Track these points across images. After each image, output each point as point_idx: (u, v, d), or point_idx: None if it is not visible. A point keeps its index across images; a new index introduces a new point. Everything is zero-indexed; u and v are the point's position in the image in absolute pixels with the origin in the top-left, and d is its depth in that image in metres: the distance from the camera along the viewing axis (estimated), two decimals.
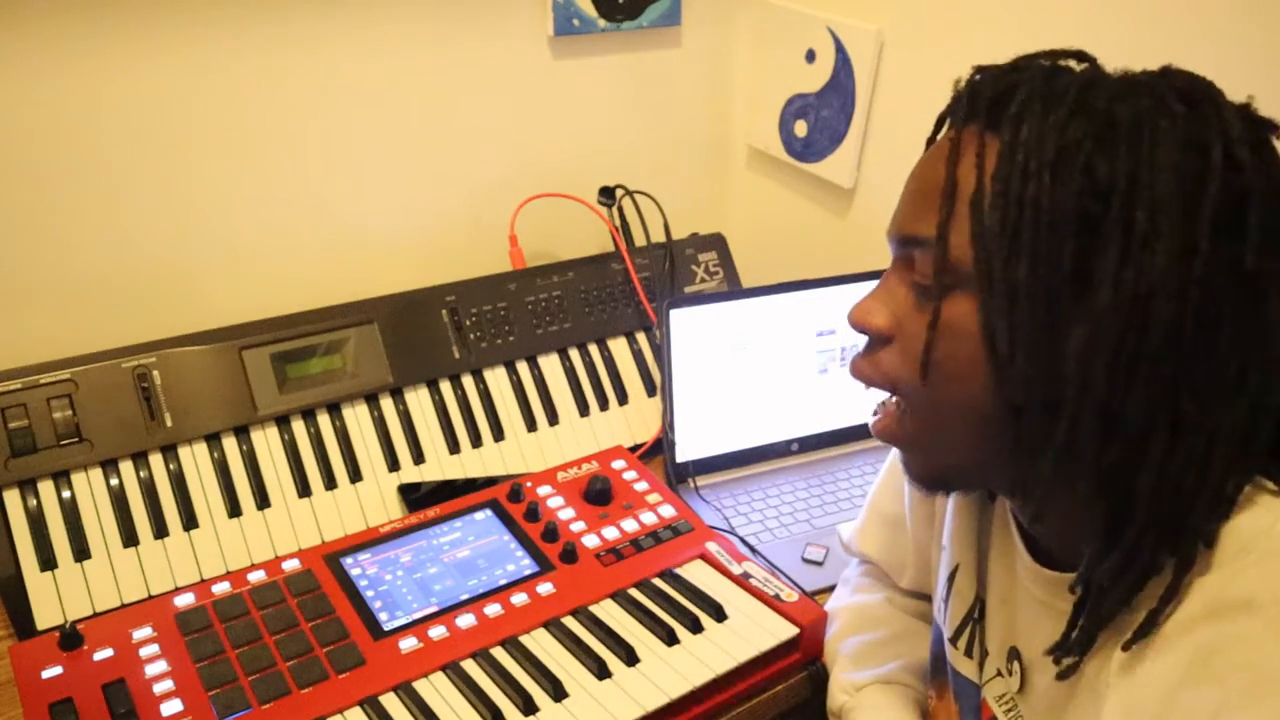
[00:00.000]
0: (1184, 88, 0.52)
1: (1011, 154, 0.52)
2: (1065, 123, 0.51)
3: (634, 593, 0.90)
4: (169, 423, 0.98)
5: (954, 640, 0.75)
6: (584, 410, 1.18)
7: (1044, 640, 0.60)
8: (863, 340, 0.62)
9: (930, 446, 0.61)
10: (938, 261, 0.55)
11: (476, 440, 1.11)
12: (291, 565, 0.90)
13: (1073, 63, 0.56)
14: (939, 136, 0.60)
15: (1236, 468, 0.52)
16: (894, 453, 0.86)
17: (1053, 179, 0.50)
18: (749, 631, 0.85)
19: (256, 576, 0.88)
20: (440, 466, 1.08)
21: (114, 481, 0.95)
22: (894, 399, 0.61)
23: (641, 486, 1.03)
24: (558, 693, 0.78)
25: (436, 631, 0.84)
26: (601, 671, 0.80)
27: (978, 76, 0.57)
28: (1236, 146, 0.49)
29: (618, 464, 1.07)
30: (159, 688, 0.77)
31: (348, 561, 0.91)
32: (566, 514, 0.98)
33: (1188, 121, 0.50)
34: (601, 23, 1.27)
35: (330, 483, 1.03)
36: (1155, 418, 0.51)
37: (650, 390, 1.22)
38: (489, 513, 0.98)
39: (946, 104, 0.58)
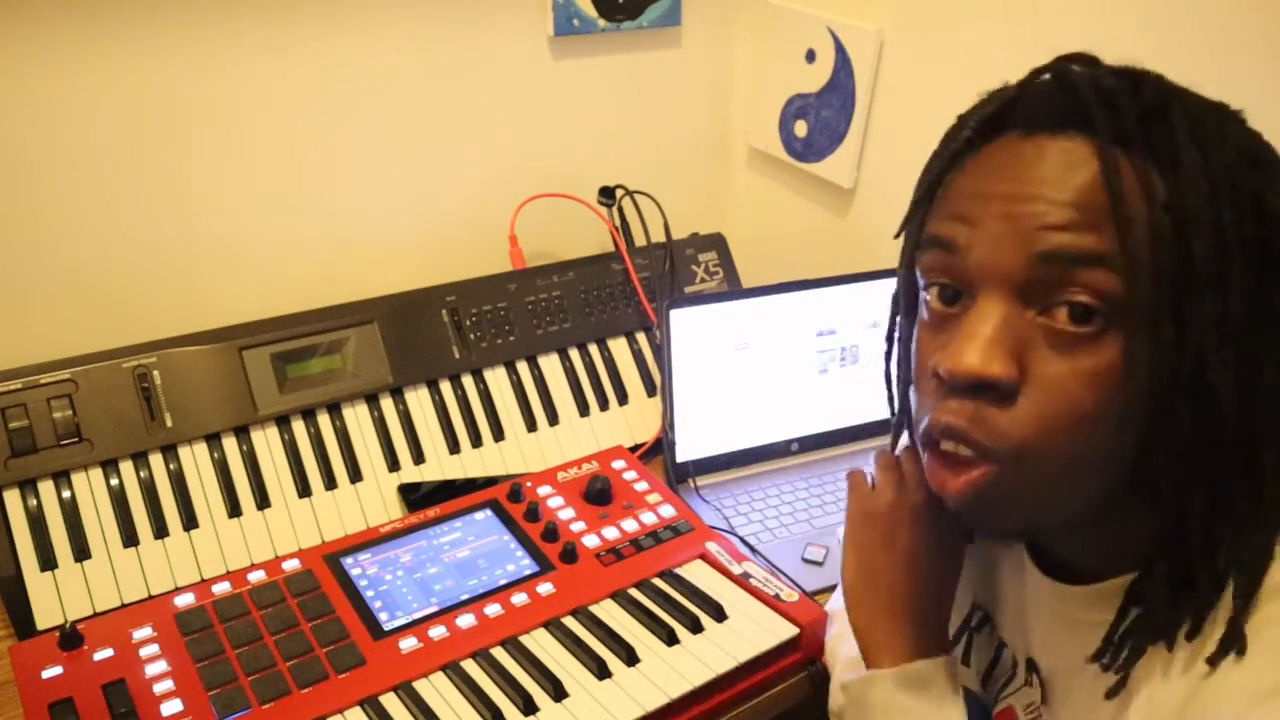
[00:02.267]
0: (1237, 117, 0.53)
1: (1195, 180, 0.48)
2: (1221, 148, 0.49)
3: (634, 593, 0.90)
4: (169, 423, 0.98)
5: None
6: (584, 410, 1.18)
7: (1062, 651, 0.59)
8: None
9: (1030, 503, 0.53)
10: (1132, 290, 0.47)
11: (476, 440, 1.11)
12: (291, 565, 0.90)
13: (1077, 67, 0.54)
14: (995, 141, 0.53)
15: None
16: None
17: (1234, 203, 0.48)
18: (749, 631, 0.85)
19: (256, 576, 0.88)
20: (440, 466, 1.08)
21: (114, 481, 0.95)
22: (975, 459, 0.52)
23: (641, 486, 1.03)
24: (558, 693, 0.78)
25: (436, 631, 0.84)
26: (601, 671, 0.80)
27: (1101, 83, 0.50)
28: None
29: (618, 464, 1.07)
30: (159, 688, 0.77)
31: (348, 561, 0.91)
32: (566, 514, 0.98)
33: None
34: (601, 23, 1.27)
35: (330, 483, 1.03)
36: None
37: (650, 390, 1.22)
38: (489, 513, 0.98)
39: (999, 105, 0.53)
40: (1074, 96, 0.50)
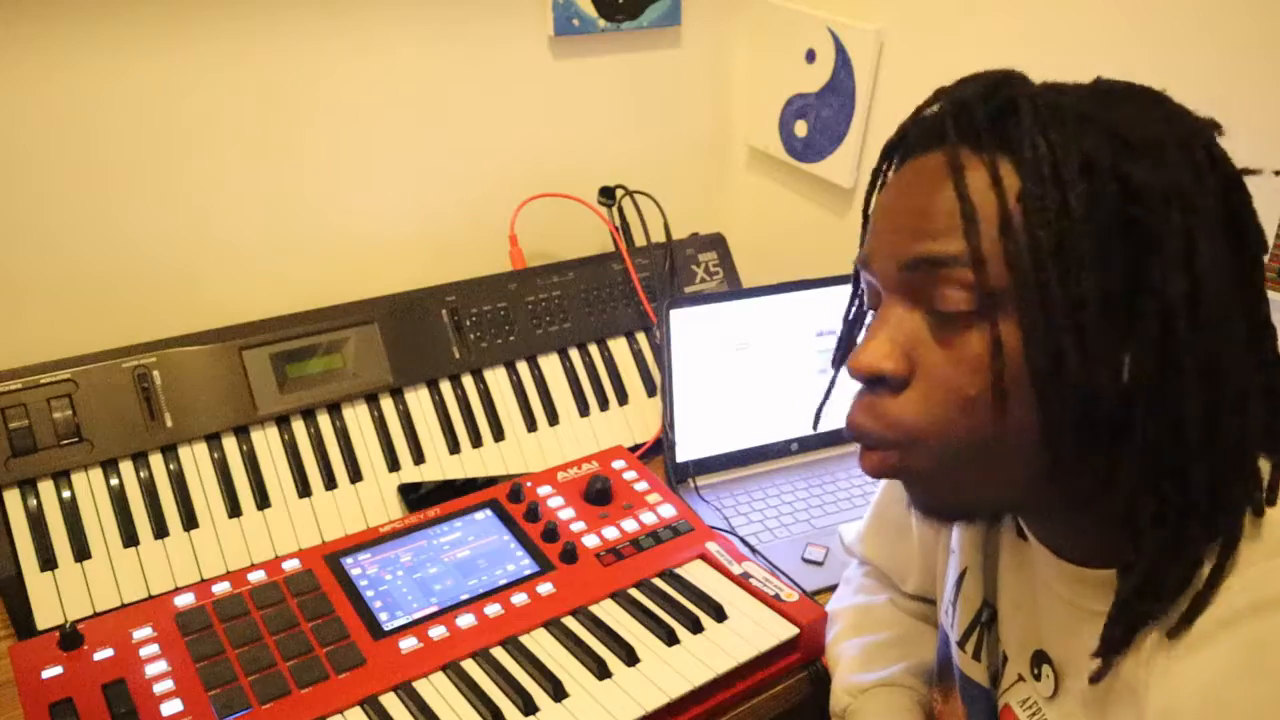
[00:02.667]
0: (1148, 94, 0.54)
1: (1038, 168, 0.50)
2: (1079, 134, 0.51)
3: (634, 593, 0.90)
4: (169, 423, 0.98)
5: (961, 643, 0.74)
6: (584, 410, 1.18)
7: (1075, 641, 0.59)
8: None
9: (946, 485, 0.57)
10: (980, 282, 0.51)
11: (476, 440, 1.11)
12: (291, 565, 0.90)
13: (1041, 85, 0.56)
14: (902, 164, 0.58)
15: (1265, 450, 0.53)
16: None
17: (1087, 191, 0.50)
18: (749, 631, 0.85)
19: (256, 576, 0.88)
20: (440, 466, 1.08)
21: (114, 481, 0.95)
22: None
23: (641, 486, 1.03)
24: (558, 693, 0.78)
25: (436, 631, 0.84)
26: (601, 671, 0.80)
27: (961, 96, 0.55)
28: (1211, 145, 0.51)
29: (618, 464, 1.07)
30: (159, 688, 0.77)
31: (348, 561, 0.91)
32: (566, 514, 0.98)
33: (1172, 122, 0.51)
34: (601, 23, 1.27)
35: (330, 483, 1.03)
36: (1209, 412, 0.50)
37: (650, 390, 1.22)
38: (489, 513, 0.98)
39: (898, 134, 0.58)
40: (936, 115, 0.55)
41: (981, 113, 0.53)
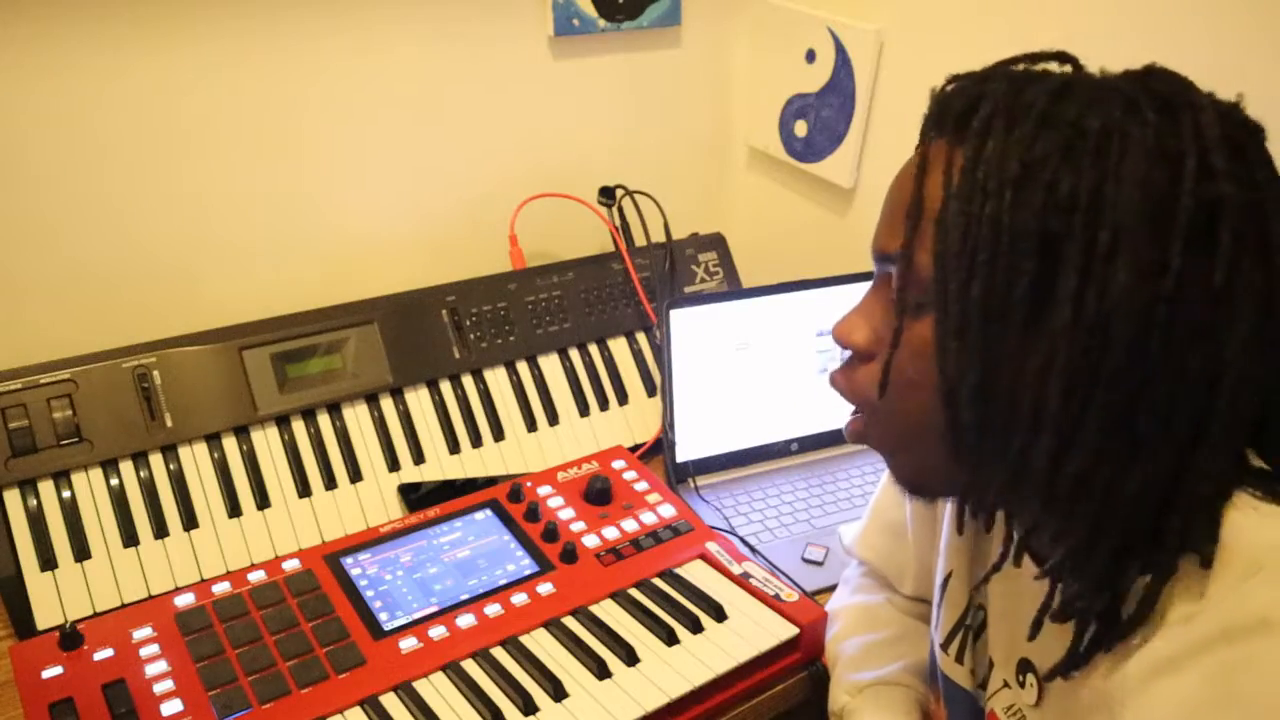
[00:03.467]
0: (1163, 91, 0.50)
1: (974, 170, 0.50)
2: (1032, 137, 0.49)
3: (634, 593, 0.90)
4: (169, 423, 0.98)
5: (944, 646, 0.75)
6: (584, 410, 1.18)
7: (1057, 651, 0.60)
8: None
9: (902, 454, 0.61)
10: (899, 279, 0.54)
11: (476, 440, 1.11)
12: (291, 565, 0.90)
13: (1053, 65, 0.55)
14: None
15: (1215, 478, 0.51)
16: None
17: (1014, 197, 0.49)
18: (749, 631, 0.85)
19: (256, 576, 0.88)
20: (440, 466, 1.08)
21: (114, 481, 0.95)
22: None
23: (641, 486, 1.03)
24: (558, 693, 0.78)
25: (436, 631, 0.84)
26: (601, 671, 0.80)
27: (949, 86, 0.55)
28: (1212, 154, 0.47)
29: (618, 464, 1.07)
30: (159, 688, 0.77)
31: (348, 561, 0.91)
32: (566, 514, 0.98)
33: (1160, 129, 0.48)
34: (601, 23, 1.27)
35: (330, 483, 1.03)
36: (1113, 437, 0.50)
37: (650, 390, 1.22)
38: (489, 513, 0.98)
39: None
40: (935, 103, 0.56)
41: (957, 106, 0.53)
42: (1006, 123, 0.50)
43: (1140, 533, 0.52)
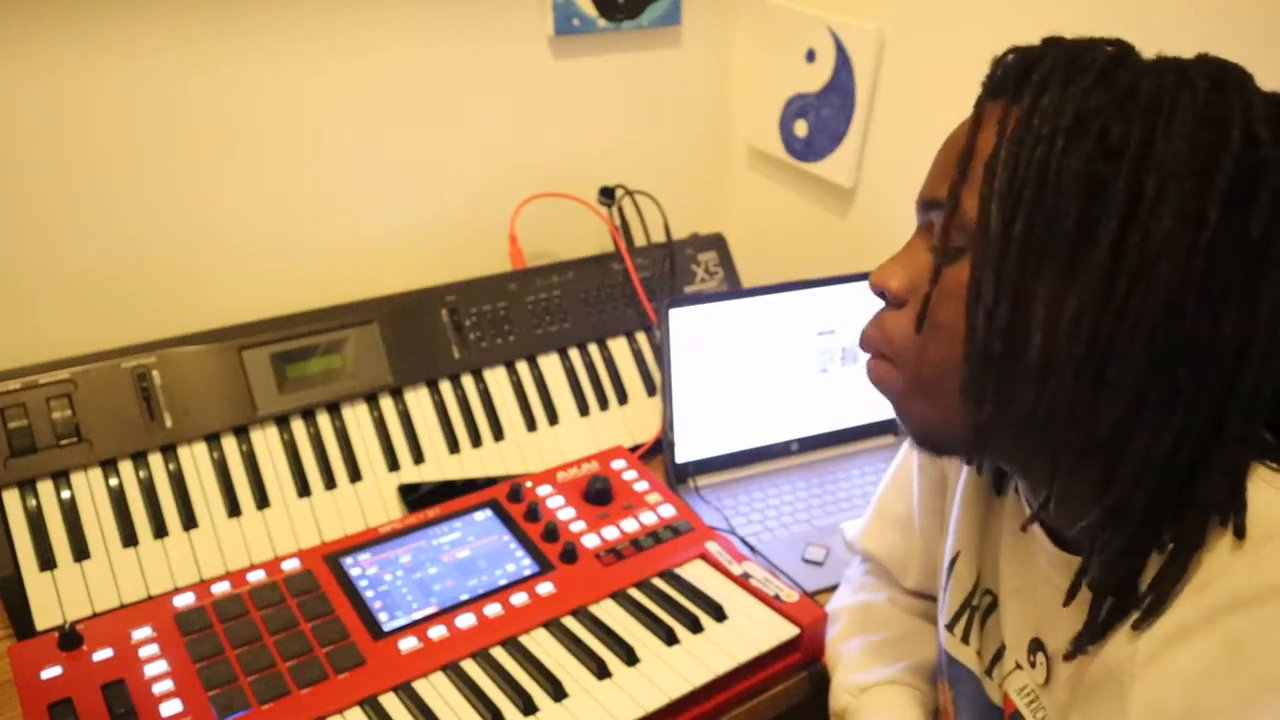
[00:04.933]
0: (1214, 70, 0.52)
1: (1029, 119, 0.52)
2: (1087, 91, 0.51)
3: (634, 593, 0.89)
4: (169, 423, 0.98)
5: (950, 626, 0.75)
6: (584, 410, 1.18)
7: (1067, 629, 0.60)
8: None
9: (922, 401, 0.61)
10: (944, 221, 0.56)
11: (476, 440, 1.11)
12: (291, 565, 0.89)
13: (1109, 49, 0.56)
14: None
15: (1241, 445, 0.52)
16: (901, 452, 0.86)
17: (1066, 143, 0.50)
18: (749, 632, 0.85)
19: (256, 576, 0.88)
20: (440, 466, 1.08)
21: (113, 481, 0.95)
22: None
23: (641, 486, 1.03)
24: (558, 693, 0.78)
25: (436, 631, 0.84)
26: (601, 671, 0.80)
27: (1010, 55, 0.57)
28: (1258, 124, 0.49)
29: (618, 464, 1.07)
30: (158, 688, 0.77)
31: (347, 561, 0.91)
32: (566, 514, 0.98)
33: (1209, 97, 0.50)
34: (601, 23, 1.27)
35: (330, 483, 1.03)
36: (1150, 386, 0.50)
37: (650, 390, 1.22)
38: (489, 513, 0.98)
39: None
40: (996, 66, 0.57)
41: (1017, 66, 0.55)
42: (1065, 78, 0.52)
43: (1172, 497, 0.52)
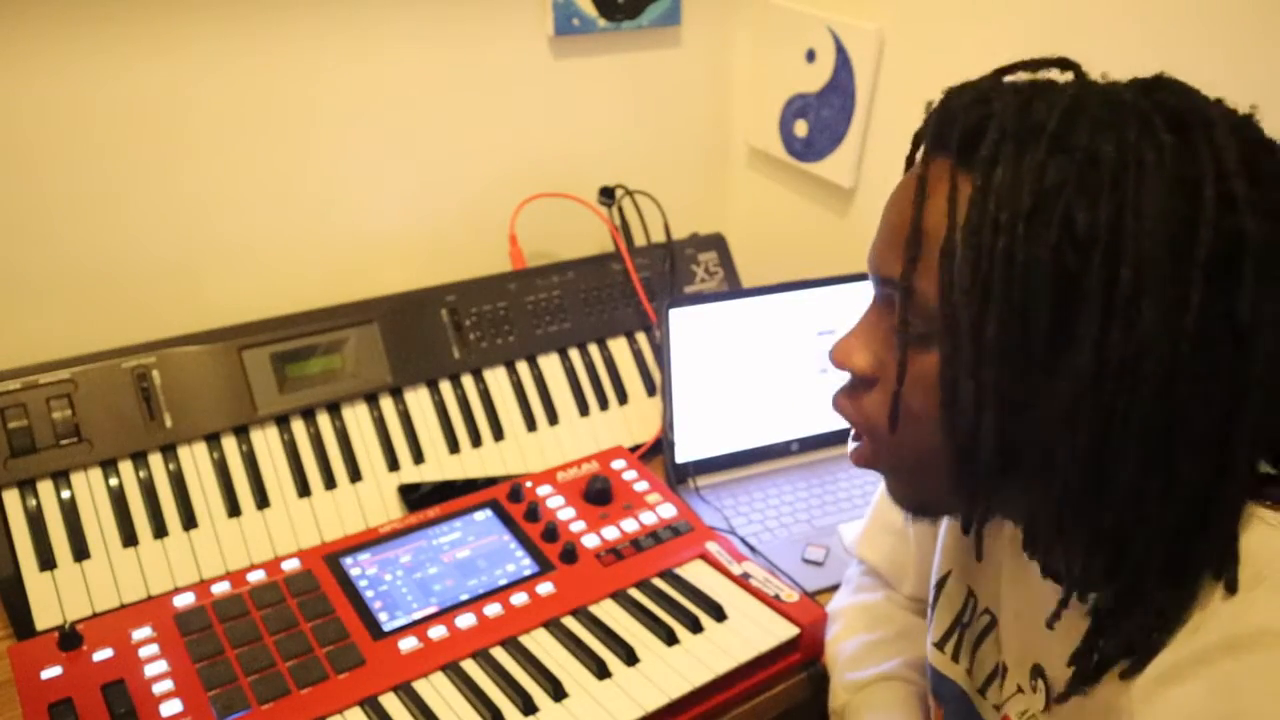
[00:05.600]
0: (1175, 106, 0.48)
1: (984, 201, 0.48)
2: (1043, 165, 0.47)
3: (634, 593, 0.89)
4: (169, 423, 0.98)
5: (940, 644, 0.74)
6: (584, 410, 1.18)
7: (1065, 659, 0.60)
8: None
9: (908, 481, 0.60)
10: (901, 310, 0.53)
11: (476, 440, 1.11)
12: (291, 565, 0.89)
13: (1055, 72, 0.53)
14: (914, 157, 0.57)
15: (1237, 504, 0.51)
16: None
17: (1028, 231, 0.47)
18: (749, 632, 0.85)
19: (256, 576, 0.88)
20: (440, 466, 1.08)
21: (113, 481, 0.95)
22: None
23: (641, 486, 1.03)
24: (558, 693, 0.78)
25: (436, 631, 0.84)
26: (601, 671, 0.80)
27: (950, 101, 0.53)
28: (1232, 180, 0.46)
29: (618, 464, 1.07)
30: (158, 688, 0.77)
31: (347, 561, 0.91)
32: (566, 514, 0.98)
33: (1176, 154, 0.46)
34: (601, 22, 1.27)
35: (330, 483, 1.03)
36: (1149, 476, 0.49)
37: (650, 390, 1.22)
38: (489, 513, 0.98)
39: (920, 128, 0.55)
40: (935, 119, 0.53)
41: (959, 125, 0.51)
42: (1016, 147, 0.48)
43: (1167, 562, 0.51)
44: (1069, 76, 0.53)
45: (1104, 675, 0.55)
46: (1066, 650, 0.60)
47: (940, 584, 0.74)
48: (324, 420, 1.05)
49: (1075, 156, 0.47)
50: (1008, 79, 0.54)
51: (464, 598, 0.87)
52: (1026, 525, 0.57)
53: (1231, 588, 0.49)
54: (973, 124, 0.50)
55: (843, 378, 0.60)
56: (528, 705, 0.76)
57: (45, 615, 0.89)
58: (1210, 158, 0.46)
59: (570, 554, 0.92)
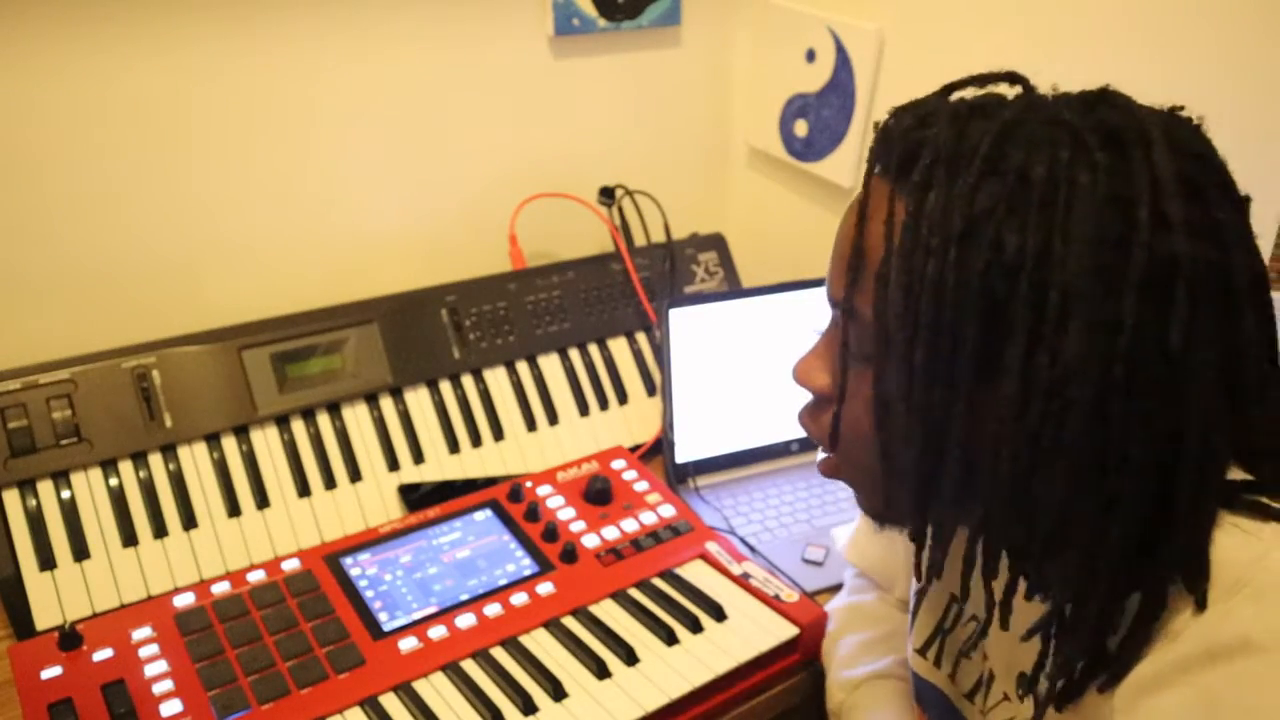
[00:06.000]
0: (1113, 123, 0.47)
1: (916, 226, 0.48)
2: (974, 189, 0.47)
3: (634, 593, 0.89)
4: (169, 423, 0.98)
5: (922, 651, 0.74)
6: (584, 410, 1.18)
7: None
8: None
9: (869, 493, 0.61)
10: (842, 331, 0.54)
11: (476, 440, 1.11)
12: (291, 565, 0.89)
13: (1004, 87, 0.53)
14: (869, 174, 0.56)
15: (1197, 516, 0.49)
16: None
17: (958, 256, 0.47)
18: (749, 631, 0.85)
19: (256, 576, 0.88)
20: (440, 466, 1.08)
21: (113, 481, 0.95)
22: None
23: (641, 486, 1.03)
24: (558, 693, 0.78)
25: (436, 631, 0.84)
26: (601, 671, 0.80)
27: (891, 120, 0.53)
28: (1166, 200, 0.45)
29: (618, 464, 1.07)
30: (158, 688, 0.77)
31: (347, 561, 0.91)
32: (566, 514, 0.98)
33: (1111, 174, 0.45)
34: (601, 22, 1.27)
35: (330, 483, 1.03)
36: (1081, 496, 0.48)
37: (650, 390, 1.22)
38: (489, 513, 0.98)
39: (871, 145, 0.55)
40: (877, 140, 0.54)
41: (897, 148, 0.51)
42: (949, 171, 0.48)
43: (1131, 573, 0.50)
44: (1017, 90, 0.53)
45: (1084, 690, 0.55)
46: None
47: (922, 591, 0.74)
48: (324, 420, 1.05)
49: (1007, 180, 0.47)
50: (954, 96, 0.53)
51: (464, 598, 0.87)
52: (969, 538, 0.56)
53: (1201, 603, 0.49)
54: (910, 147, 0.51)
55: (807, 395, 0.62)
56: (528, 705, 0.77)
57: (45, 615, 0.89)
58: (1146, 177, 0.45)
59: (570, 554, 0.92)
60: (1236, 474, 0.52)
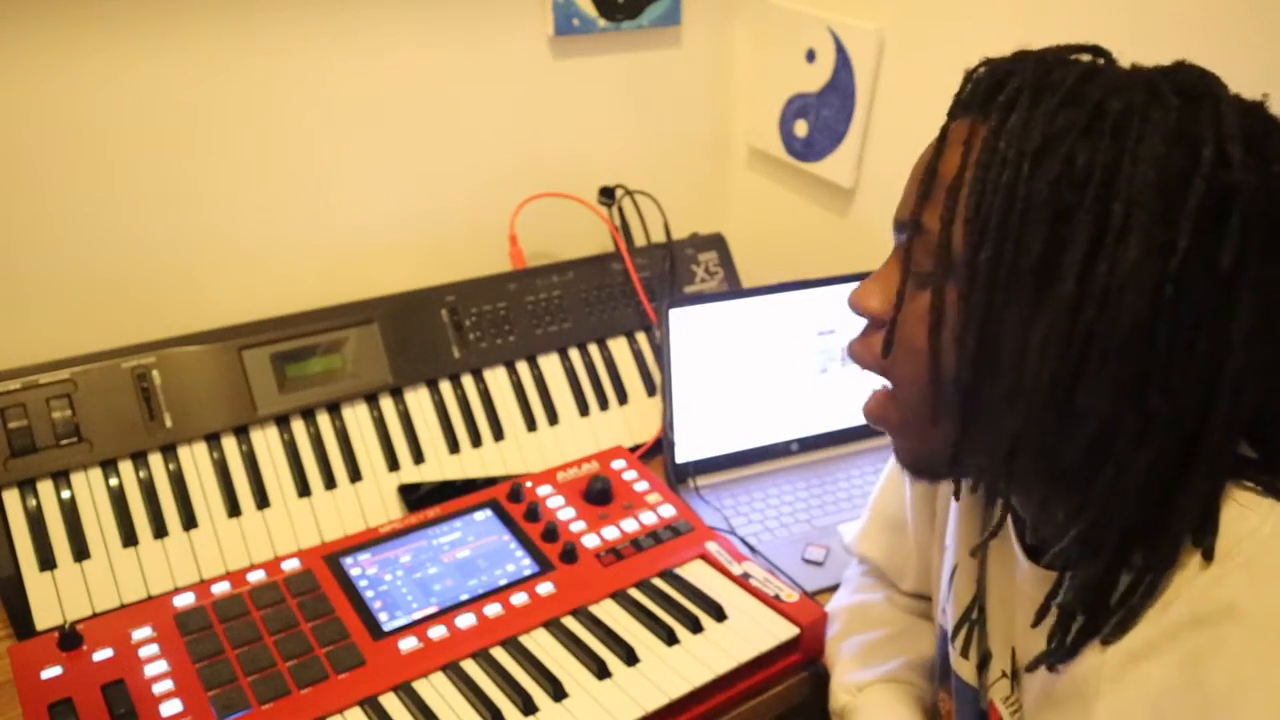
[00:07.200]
0: (1187, 82, 0.51)
1: (995, 140, 0.51)
2: (1054, 112, 0.50)
3: (634, 593, 0.89)
4: (169, 423, 0.98)
5: (953, 639, 0.75)
6: (584, 410, 1.18)
7: (1037, 644, 0.60)
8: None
9: (911, 432, 0.61)
10: (907, 245, 0.56)
11: (476, 440, 1.11)
12: (291, 565, 0.89)
13: (1086, 56, 0.55)
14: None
15: (1217, 469, 0.51)
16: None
17: (1032, 167, 0.50)
18: (749, 631, 0.85)
19: (256, 576, 0.88)
20: (440, 466, 1.08)
21: (113, 481, 0.95)
22: (884, 384, 0.62)
23: (641, 486, 1.03)
24: (558, 693, 0.78)
25: (436, 631, 0.84)
26: (601, 671, 0.80)
27: (981, 69, 0.56)
28: (1229, 143, 0.48)
29: (618, 464, 1.07)
30: (158, 688, 0.77)
31: (347, 561, 0.91)
32: (566, 514, 0.98)
33: (1181, 115, 0.48)
34: (601, 22, 1.27)
35: (330, 483, 1.03)
36: (1120, 414, 0.50)
37: (650, 390, 1.22)
38: (489, 513, 0.98)
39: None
40: (966, 82, 0.57)
41: (985, 81, 0.54)
42: (1032, 98, 0.51)
43: (1146, 521, 0.52)
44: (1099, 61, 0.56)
45: (1079, 650, 0.56)
46: (1037, 634, 0.60)
47: (951, 577, 0.74)
48: (324, 420, 1.05)
49: (1085, 108, 0.50)
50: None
51: (464, 598, 0.87)
52: (999, 475, 0.57)
53: (1209, 555, 0.51)
54: (998, 78, 0.54)
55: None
56: (528, 705, 0.76)
57: (45, 615, 0.89)
58: (1213, 123, 0.48)
59: (570, 554, 0.92)
60: (1244, 451, 0.53)
